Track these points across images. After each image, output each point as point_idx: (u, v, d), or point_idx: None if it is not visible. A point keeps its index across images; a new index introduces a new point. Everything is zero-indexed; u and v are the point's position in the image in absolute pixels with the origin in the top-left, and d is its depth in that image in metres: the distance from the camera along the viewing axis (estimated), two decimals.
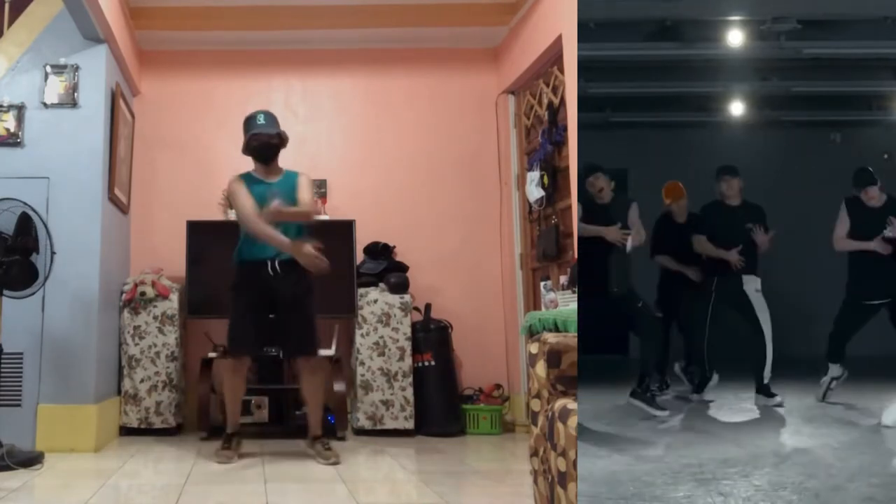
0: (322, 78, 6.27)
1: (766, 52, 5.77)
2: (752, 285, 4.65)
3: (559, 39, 5.10)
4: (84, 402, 4.73)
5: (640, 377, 4.37)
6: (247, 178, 4.58)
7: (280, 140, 4.60)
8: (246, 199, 4.43)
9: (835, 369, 4.70)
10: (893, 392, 4.67)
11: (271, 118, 4.61)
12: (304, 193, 4.53)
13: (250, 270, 4.47)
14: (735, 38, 5.46)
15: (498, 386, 5.77)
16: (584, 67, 5.81)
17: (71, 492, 3.66)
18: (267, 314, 4.48)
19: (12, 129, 4.93)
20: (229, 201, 5.01)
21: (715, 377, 4.94)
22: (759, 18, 5.33)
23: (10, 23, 5.12)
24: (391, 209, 6.05)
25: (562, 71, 5.16)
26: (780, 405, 4.57)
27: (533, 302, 5.74)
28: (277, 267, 4.43)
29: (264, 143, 4.54)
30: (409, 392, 5.46)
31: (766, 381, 4.62)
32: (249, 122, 4.59)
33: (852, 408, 4.64)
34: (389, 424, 5.43)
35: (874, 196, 4.59)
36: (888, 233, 4.45)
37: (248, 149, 4.58)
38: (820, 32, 5.58)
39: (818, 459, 3.38)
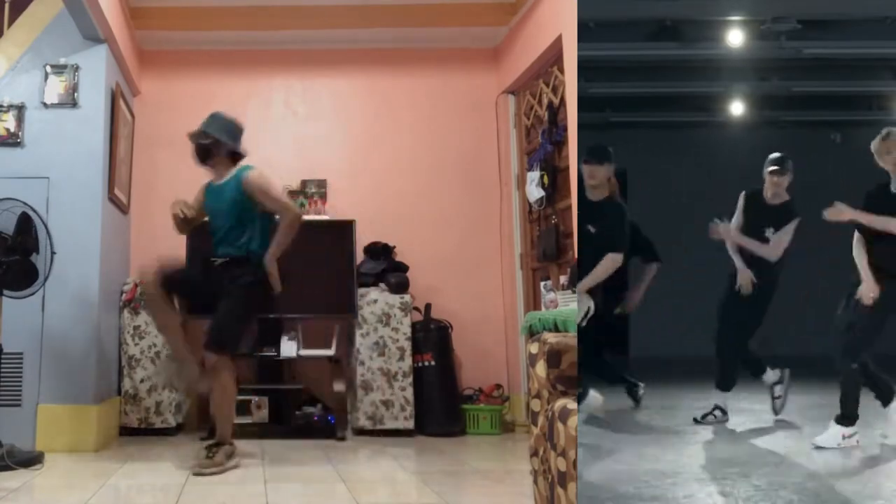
0: (322, 78, 6.27)
1: (766, 52, 5.77)
2: None
3: (559, 39, 5.10)
4: (84, 402, 4.73)
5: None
6: (206, 186, 4.55)
7: (208, 140, 4.40)
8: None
9: (771, 375, 4.33)
10: None
11: (215, 119, 4.46)
12: (259, 195, 4.32)
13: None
14: (735, 38, 5.46)
15: (498, 386, 5.77)
16: (584, 67, 5.81)
17: (71, 492, 3.65)
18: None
19: (12, 129, 4.93)
20: None
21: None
22: (759, 18, 5.33)
23: (10, 23, 5.12)
24: (391, 209, 6.05)
25: (562, 71, 5.16)
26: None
27: (533, 302, 5.74)
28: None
29: (198, 147, 4.45)
30: (409, 392, 5.46)
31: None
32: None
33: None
34: (389, 424, 5.43)
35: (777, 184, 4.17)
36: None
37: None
38: (820, 32, 5.59)
39: (818, 459, 3.38)
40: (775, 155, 4.26)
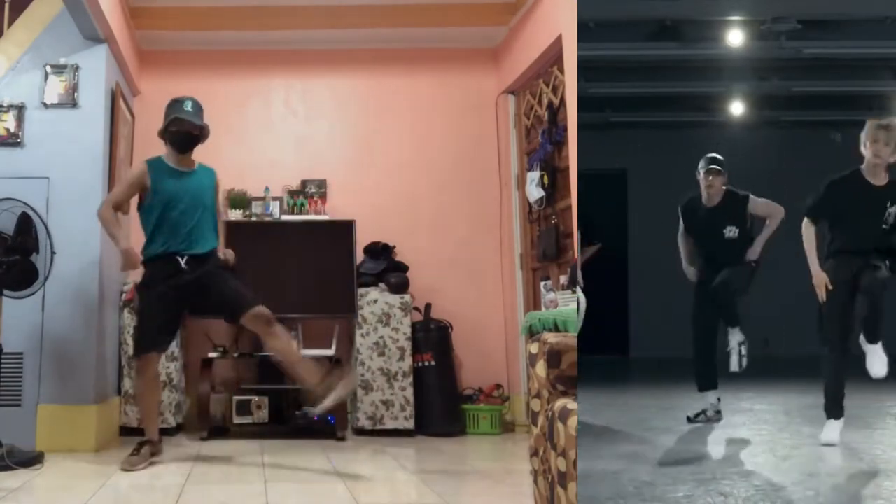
0: (322, 78, 6.27)
1: (766, 52, 5.78)
2: None
3: (559, 39, 5.10)
4: (84, 402, 4.73)
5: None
6: (156, 165, 4.39)
7: (201, 133, 4.42)
8: (126, 190, 4.40)
9: (736, 334, 4.25)
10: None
11: (198, 108, 4.44)
12: (221, 198, 4.51)
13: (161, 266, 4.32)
14: (735, 38, 5.47)
15: (498, 386, 5.77)
16: (584, 67, 5.82)
17: (71, 492, 3.65)
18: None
19: (12, 129, 4.93)
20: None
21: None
22: (759, 18, 5.34)
23: (10, 23, 5.11)
24: (391, 209, 6.05)
25: (562, 71, 5.16)
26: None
27: (533, 302, 5.74)
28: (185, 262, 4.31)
29: (186, 131, 4.38)
30: (409, 392, 5.46)
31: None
32: (175, 105, 4.39)
33: (852, 407, 4.63)
34: (389, 424, 5.43)
35: (712, 186, 4.23)
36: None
37: (166, 133, 4.39)
38: (820, 32, 5.60)
39: (818, 459, 3.38)
40: (712, 155, 4.31)
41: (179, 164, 4.44)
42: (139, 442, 4.30)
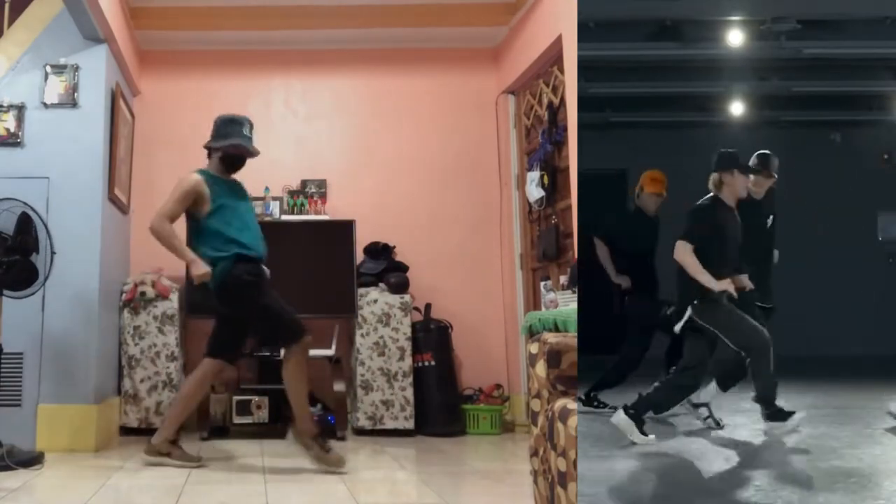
0: (322, 78, 6.27)
1: (766, 52, 5.78)
2: None
3: (559, 39, 5.10)
4: (84, 402, 4.73)
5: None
6: (208, 176, 4.36)
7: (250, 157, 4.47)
8: (180, 202, 4.27)
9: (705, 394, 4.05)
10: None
11: (252, 131, 4.45)
12: None
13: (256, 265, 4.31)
14: (735, 38, 5.47)
15: (498, 386, 5.77)
16: (584, 67, 5.81)
17: (71, 492, 3.66)
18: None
19: (12, 129, 4.93)
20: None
21: None
22: (759, 18, 5.33)
23: (10, 23, 5.12)
24: (391, 209, 6.05)
25: (562, 71, 5.16)
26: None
27: (533, 302, 5.74)
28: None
29: (243, 157, 4.42)
30: (409, 392, 5.47)
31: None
32: (233, 125, 4.38)
33: (852, 407, 4.64)
34: (389, 424, 5.43)
35: (746, 185, 3.99)
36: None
37: (222, 154, 4.37)
38: (820, 32, 5.59)
39: (818, 459, 3.38)
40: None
41: (224, 177, 4.44)
42: (172, 441, 4.25)
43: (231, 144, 4.34)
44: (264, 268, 4.35)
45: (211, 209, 4.27)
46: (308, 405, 4.31)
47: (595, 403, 4.60)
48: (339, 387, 5.35)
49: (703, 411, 4.09)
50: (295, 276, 5.49)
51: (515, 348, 5.87)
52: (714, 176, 3.92)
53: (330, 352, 5.39)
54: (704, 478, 3.01)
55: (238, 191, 4.47)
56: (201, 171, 4.37)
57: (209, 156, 4.45)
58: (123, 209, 5.62)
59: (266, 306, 4.24)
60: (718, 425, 4.03)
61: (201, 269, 4.19)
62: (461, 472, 4.24)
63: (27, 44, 5.06)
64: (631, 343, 4.69)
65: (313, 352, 5.41)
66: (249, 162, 4.56)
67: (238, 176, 4.52)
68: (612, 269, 4.68)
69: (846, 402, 4.84)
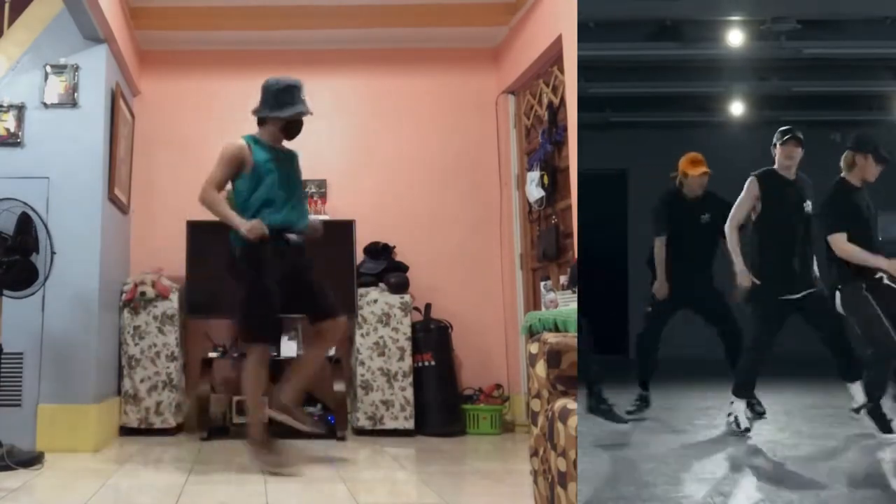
0: (322, 78, 6.25)
1: (766, 52, 5.78)
2: None
3: (559, 39, 5.10)
4: (84, 402, 4.73)
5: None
6: (254, 142, 4.24)
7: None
8: (227, 169, 4.16)
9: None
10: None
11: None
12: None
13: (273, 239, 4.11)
14: (735, 38, 5.47)
15: (498, 386, 5.77)
16: (584, 67, 5.82)
17: (71, 492, 3.66)
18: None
19: (12, 129, 4.93)
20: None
21: None
22: (759, 18, 5.34)
23: (10, 23, 5.12)
24: (391, 209, 6.05)
25: (562, 71, 5.16)
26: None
27: (533, 302, 5.74)
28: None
29: (300, 125, 4.33)
30: (409, 392, 5.47)
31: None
32: (292, 91, 4.25)
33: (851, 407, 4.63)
34: (389, 424, 5.43)
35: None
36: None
37: (281, 121, 4.25)
38: (820, 32, 5.59)
39: (818, 459, 3.38)
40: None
41: (275, 143, 4.33)
42: (264, 440, 4.16)
43: (299, 112, 4.25)
44: (288, 240, 4.16)
45: (247, 176, 4.19)
46: (257, 409, 4.18)
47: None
48: (339, 387, 5.35)
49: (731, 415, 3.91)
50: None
51: (515, 348, 5.88)
52: (847, 154, 3.87)
53: (330, 352, 5.38)
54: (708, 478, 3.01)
55: (285, 158, 4.33)
56: (247, 137, 4.28)
57: (260, 123, 4.33)
58: (123, 209, 5.62)
59: (246, 294, 4.11)
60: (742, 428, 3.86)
61: (248, 225, 4.04)
62: (461, 472, 4.24)
63: (27, 44, 5.06)
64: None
65: None
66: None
67: None
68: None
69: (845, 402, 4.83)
